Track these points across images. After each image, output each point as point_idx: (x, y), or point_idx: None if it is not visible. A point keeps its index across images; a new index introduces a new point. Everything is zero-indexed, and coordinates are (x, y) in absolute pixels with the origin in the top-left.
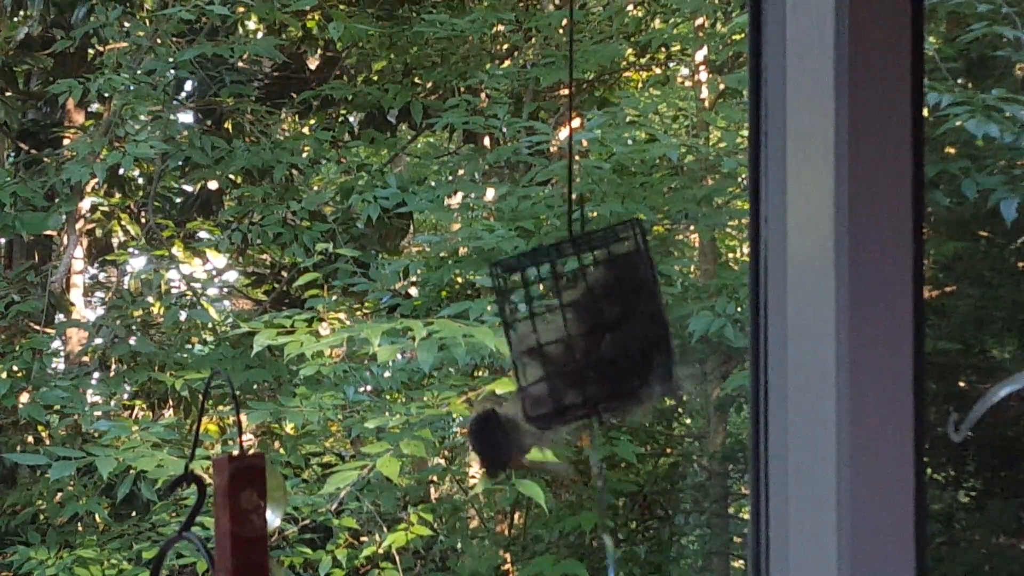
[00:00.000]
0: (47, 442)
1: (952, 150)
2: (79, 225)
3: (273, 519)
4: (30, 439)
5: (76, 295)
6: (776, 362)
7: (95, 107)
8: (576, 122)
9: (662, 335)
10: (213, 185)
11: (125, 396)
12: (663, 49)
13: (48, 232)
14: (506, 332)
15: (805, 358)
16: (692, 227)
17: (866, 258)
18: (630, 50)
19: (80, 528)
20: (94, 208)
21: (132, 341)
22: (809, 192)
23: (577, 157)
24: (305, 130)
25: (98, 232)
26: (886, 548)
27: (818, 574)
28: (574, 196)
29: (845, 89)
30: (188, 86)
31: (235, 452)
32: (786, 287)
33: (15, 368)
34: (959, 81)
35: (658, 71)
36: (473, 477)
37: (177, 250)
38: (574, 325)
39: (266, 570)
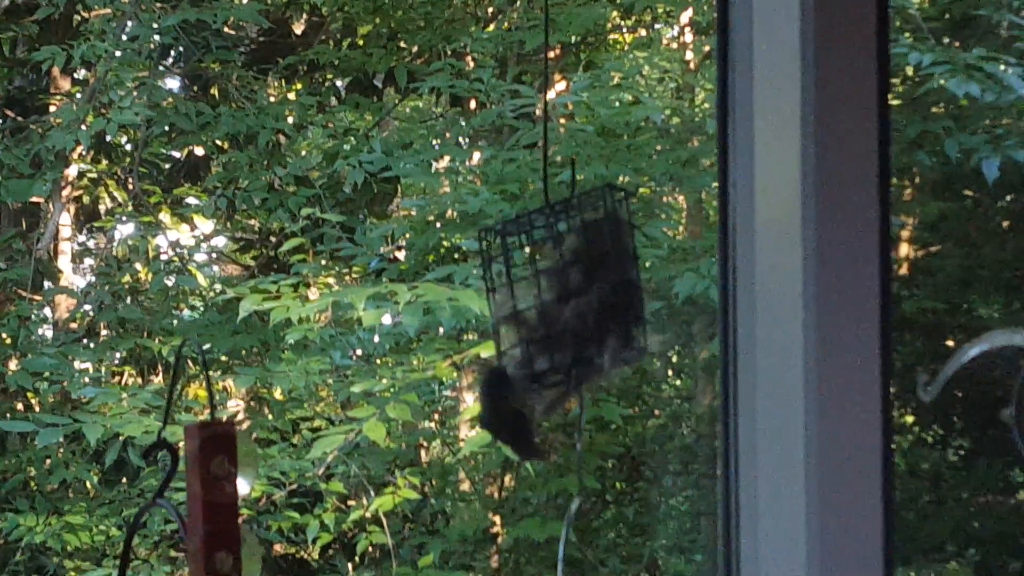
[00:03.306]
0: (36, 409)
1: (936, 110)
2: (66, 192)
3: (245, 486)
4: (19, 406)
5: (64, 262)
6: (744, 328)
7: (81, 73)
8: (561, 85)
9: (629, 302)
10: (200, 151)
11: (115, 363)
12: (648, 11)
13: (34, 199)
14: (488, 298)
15: (773, 323)
16: (677, 189)
17: (833, 222)
18: (615, 12)
19: (70, 494)
20: (81, 175)
21: (120, 308)
22: (776, 157)
23: (563, 120)
24: (291, 95)
25: (85, 199)
26: (853, 510)
27: (787, 536)
28: (556, 159)
29: (811, 54)
30: (173, 52)
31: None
32: (754, 253)
33: (3, 335)
34: (944, 40)
35: (643, 33)
36: (462, 440)
37: (164, 216)
38: (546, 292)
39: (238, 535)
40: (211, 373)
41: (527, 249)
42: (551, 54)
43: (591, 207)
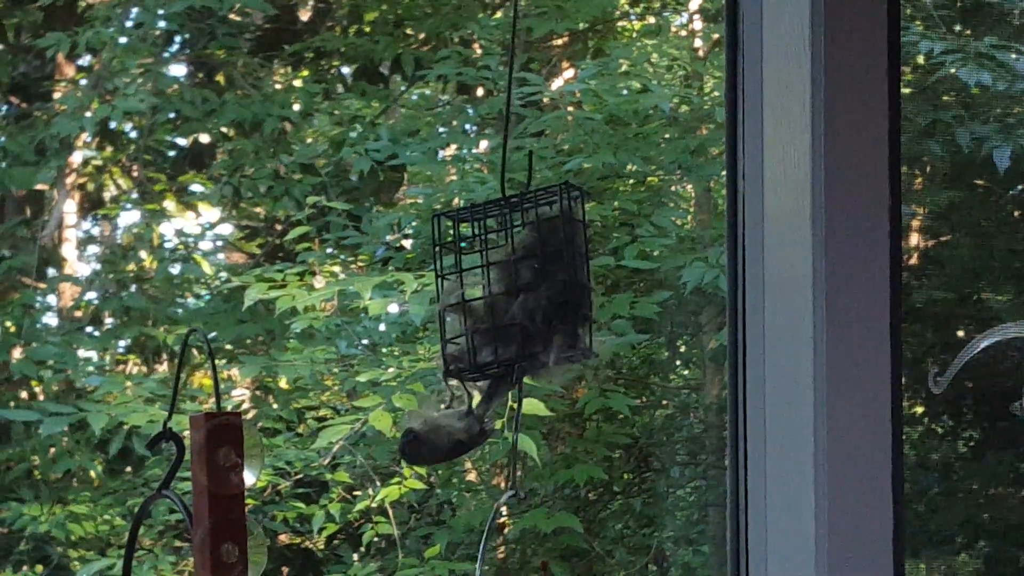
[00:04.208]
0: (40, 398)
1: (947, 99)
2: (70, 179)
3: (251, 477)
4: (23, 395)
5: (68, 250)
6: (753, 319)
7: (86, 60)
8: (569, 72)
9: (578, 302)
10: (205, 138)
11: (119, 351)
12: None
13: (39, 186)
14: (437, 283)
15: (782, 313)
16: (686, 178)
17: (842, 212)
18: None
19: (74, 484)
20: (85, 162)
21: (124, 296)
22: (786, 146)
23: (571, 108)
24: (297, 82)
25: (89, 186)
26: (863, 501)
27: (795, 527)
28: (564, 147)
29: (821, 42)
30: (178, 39)
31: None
32: (763, 242)
33: (7, 323)
34: (955, 28)
35: (652, 20)
36: None
37: (169, 204)
38: (496, 284)
39: (243, 526)
40: (216, 362)
41: (479, 239)
42: (559, 41)
43: (547, 203)
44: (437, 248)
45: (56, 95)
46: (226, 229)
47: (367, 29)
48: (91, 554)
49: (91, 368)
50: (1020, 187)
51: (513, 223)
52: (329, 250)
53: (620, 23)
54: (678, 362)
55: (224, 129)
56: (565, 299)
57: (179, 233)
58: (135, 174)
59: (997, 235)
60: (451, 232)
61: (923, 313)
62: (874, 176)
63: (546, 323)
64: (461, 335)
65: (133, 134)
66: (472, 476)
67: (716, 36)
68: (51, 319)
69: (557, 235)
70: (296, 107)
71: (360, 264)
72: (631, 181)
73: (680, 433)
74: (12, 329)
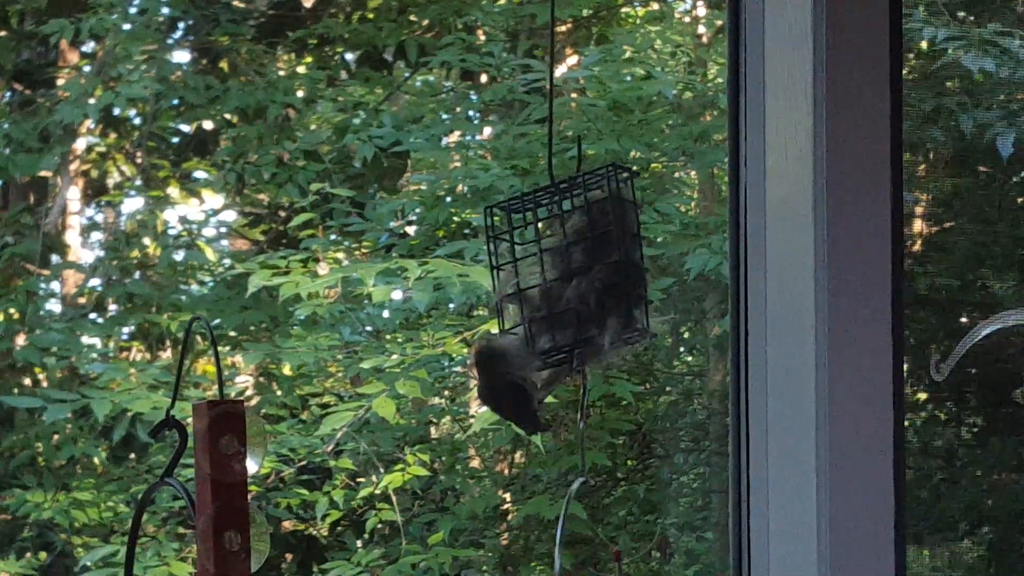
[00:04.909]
0: (44, 385)
1: (950, 85)
2: (74, 166)
3: (254, 464)
4: (27, 382)
5: (72, 236)
6: (756, 305)
7: (90, 46)
8: (573, 59)
9: (631, 283)
10: (208, 125)
11: (123, 338)
12: None
13: (42, 173)
14: (493, 275)
15: (785, 300)
16: (689, 164)
17: (845, 198)
18: None
19: (77, 470)
20: (89, 149)
21: (128, 283)
22: (788, 133)
23: (574, 94)
24: (301, 69)
25: (93, 173)
26: (865, 487)
27: (798, 514)
28: (568, 133)
29: (824, 29)
30: (182, 25)
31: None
32: (766, 229)
33: (11, 310)
34: (958, 14)
35: (655, 6)
36: (472, 417)
37: (173, 190)
38: (549, 270)
39: (247, 515)
40: (220, 349)
41: (531, 227)
42: (563, 28)
43: (595, 186)
44: (491, 239)
45: (60, 82)
46: (230, 216)
47: (370, 16)
48: (95, 541)
49: (95, 355)
50: (1023, 174)
51: (563, 209)
52: (333, 237)
53: (624, 9)
54: (682, 348)
55: (228, 116)
56: (617, 280)
57: (183, 220)
58: (139, 161)
59: (1000, 222)
60: (497, 220)
61: (926, 299)
62: (876, 163)
63: (599, 306)
64: (518, 324)
65: (137, 121)
66: (476, 463)
67: (719, 23)
68: (55, 306)
69: (606, 217)
70: (300, 94)
71: (364, 251)
72: (634, 168)
73: (684, 420)
74: (16, 316)
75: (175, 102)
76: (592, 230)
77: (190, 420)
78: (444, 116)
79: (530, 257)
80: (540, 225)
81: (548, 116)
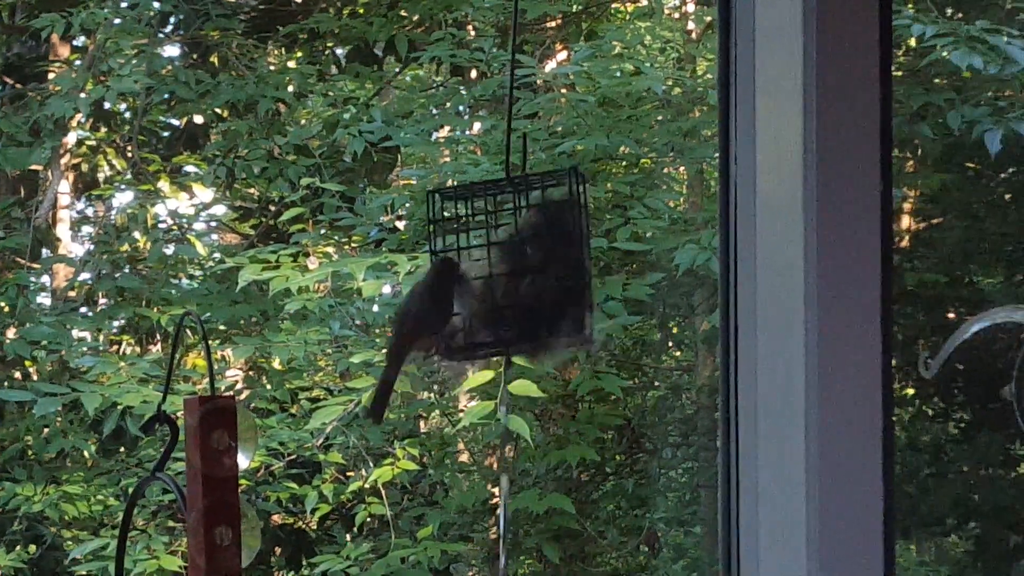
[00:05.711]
0: (34, 378)
1: (939, 82)
2: (64, 160)
3: (244, 459)
4: (17, 375)
5: (62, 230)
6: (745, 300)
7: (80, 41)
8: (563, 55)
9: (580, 287)
10: (199, 119)
11: (113, 331)
12: None
13: (33, 167)
14: (431, 262)
15: (774, 295)
16: (679, 160)
17: (834, 194)
18: None
19: (67, 464)
20: (79, 143)
21: (118, 276)
22: (778, 129)
23: (564, 90)
24: (291, 64)
25: (84, 167)
26: (853, 482)
27: (786, 509)
28: (557, 129)
29: (813, 25)
30: (173, 20)
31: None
32: (755, 225)
33: (1, 304)
34: (947, 11)
35: (645, 2)
36: (461, 411)
37: (163, 184)
38: (498, 265)
39: (237, 509)
40: (210, 342)
41: (477, 218)
42: (552, 23)
43: (551, 186)
44: (432, 226)
45: (50, 76)
46: (220, 210)
47: (361, 10)
48: (84, 534)
49: (85, 348)
50: (1011, 170)
51: (512, 205)
52: (323, 231)
53: (613, 5)
54: (670, 344)
55: (218, 110)
56: (575, 283)
57: (173, 214)
58: (129, 155)
59: (988, 218)
60: (446, 210)
61: (914, 295)
62: (865, 158)
63: (556, 306)
64: (456, 314)
65: (127, 115)
66: (464, 457)
67: (709, 18)
68: (45, 299)
69: (565, 218)
70: (290, 88)
71: (354, 245)
72: (624, 163)
73: (672, 414)
74: (6, 309)
75: (166, 96)
76: (550, 229)
77: (181, 414)
78: (434, 111)
79: (475, 249)
80: (483, 219)
81: (507, 112)
